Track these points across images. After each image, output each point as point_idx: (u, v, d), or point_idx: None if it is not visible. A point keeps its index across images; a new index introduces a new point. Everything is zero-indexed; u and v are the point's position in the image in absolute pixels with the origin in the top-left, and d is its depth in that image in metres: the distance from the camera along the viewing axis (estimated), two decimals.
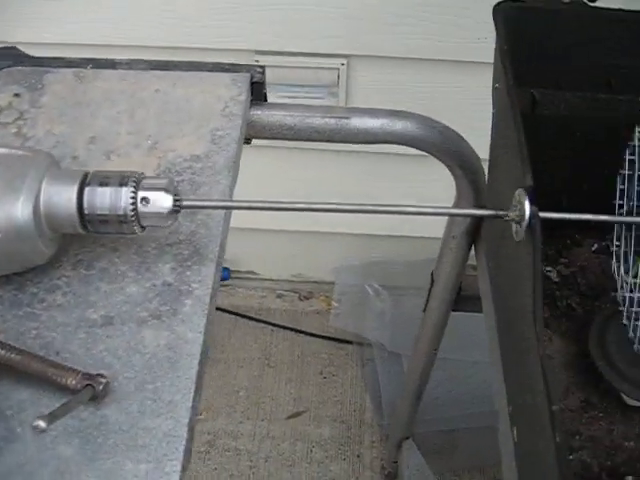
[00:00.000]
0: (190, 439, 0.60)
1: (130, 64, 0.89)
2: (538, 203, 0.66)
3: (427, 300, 1.15)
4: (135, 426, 0.60)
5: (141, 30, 1.43)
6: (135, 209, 0.64)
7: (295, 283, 1.90)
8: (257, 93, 0.89)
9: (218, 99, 0.86)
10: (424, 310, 1.18)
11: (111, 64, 0.89)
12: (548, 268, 0.95)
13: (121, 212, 0.64)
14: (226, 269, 1.83)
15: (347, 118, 0.90)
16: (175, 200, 0.65)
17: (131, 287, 0.68)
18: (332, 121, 0.89)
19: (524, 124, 0.76)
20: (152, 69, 0.89)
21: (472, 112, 1.21)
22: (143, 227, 0.66)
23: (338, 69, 1.45)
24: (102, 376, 0.61)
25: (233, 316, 1.83)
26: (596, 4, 0.84)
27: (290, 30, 1.43)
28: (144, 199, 0.64)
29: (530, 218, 0.64)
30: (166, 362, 0.64)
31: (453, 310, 1.18)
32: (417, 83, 1.47)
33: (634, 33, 0.84)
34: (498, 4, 0.80)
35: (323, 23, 1.40)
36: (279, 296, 1.90)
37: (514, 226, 0.67)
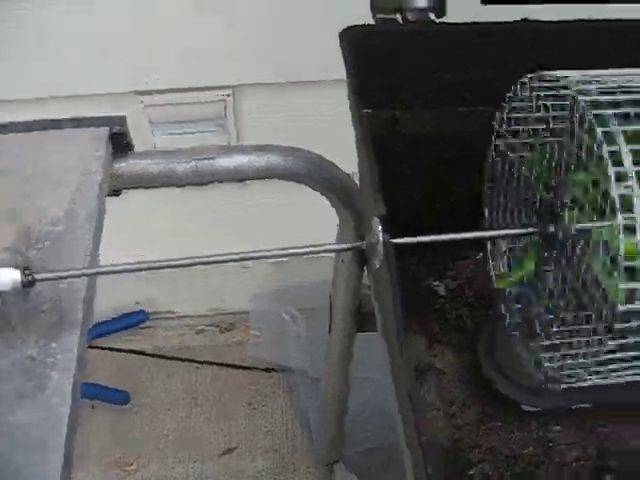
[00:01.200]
0: None
1: None
2: (397, 227, 0.66)
3: (330, 323, 1.14)
4: None
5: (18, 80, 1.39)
6: None
7: (214, 317, 1.88)
8: (119, 144, 0.88)
9: (77, 157, 0.84)
10: (329, 332, 1.18)
11: None
12: (435, 282, 0.96)
13: None
14: (142, 312, 1.80)
15: (212, 159, 0.89)
16: (26, 275, 0.64)
17: None
18: (197, 164, 0.88)
19: (386, 146, 0.77)
20: (10, 132, 0.87)
21: None
22: None
23: (225, 101, 1.45)
24: None
25: (155, 358, 1.80)
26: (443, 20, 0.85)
27: (172, 67, 1.42)
28: None
29: (383, 247, 0.64)
30: (33, 439, 0.61)
31: (359, 330, 1.18)
32: (304, 106, 1.47)
33: (483, 46, 0.85)
34: (344, 30, 0.80)
35: (204, 57, 1.39)
36: (199, 332, 1.87)
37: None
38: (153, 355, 1.81)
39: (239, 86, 1.44)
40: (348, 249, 0.66)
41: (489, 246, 0.78)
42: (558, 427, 0.83)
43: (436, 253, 0.96)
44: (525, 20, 0.84)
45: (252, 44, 1.36)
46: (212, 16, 1.35)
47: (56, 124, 0.87)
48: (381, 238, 0.64)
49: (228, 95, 1.44)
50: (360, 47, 0.79)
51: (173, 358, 1.80)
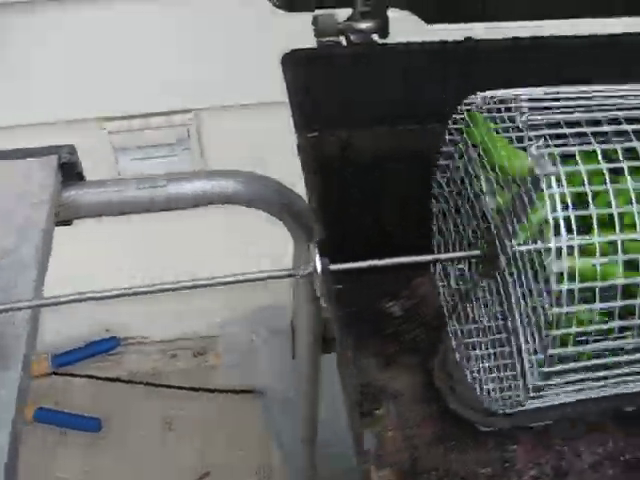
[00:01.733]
0: None
1: None
2: (345, 251, 0.66)
3: (293, 348, 1.14)
4: None
5: None
6: None
7: (187, 341, 1.87)
8: (69, 173, 0.87)
9: (25, 187, 0.83)
10: (293, 357, 1.17)
11: None
12: (390, 303, 0.95)
13: None
14: (113, 338, 1.79)
15: (163, 186, 0.89)
16: None
17: None
18: (149, 191, 0.88)
19: (333, 169, 0.76)
20: None
21: None
22: None
23: (187, 125, 1.45)
24: None
25: (127, 384, 1.78)
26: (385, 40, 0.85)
27: (134, 93, 1.42)
28: None
29: (320, 273, 0.64)
30: None
31: (326, 352, 1.17)
32: (265, 127, 1.47)
33: (429, 65, 0.85)
34: (286, 54, 0.80)
35: (166, 82, 1.39)
36: (173, 356, 1.86)
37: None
38: (125, 381, 1.79)
39: (201, 110, 1.44)
40: (284, 276, 0.65)
41: (437, 268, 0.78)
42: (515, 446, 0.83)
43: (390, 273, 0.96)
44: (469, 39, 0.84)
45: (212, 68, 1.36)
46: (171, 42, 1.36)
47: (3, 155, 0.87)
48: (318, 264, 0.64)
49: (190, 119, 1.44)
50: (302, 71, 0.79)
51: (146, 384, 1.78)
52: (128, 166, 1.49)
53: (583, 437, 0.84)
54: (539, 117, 0.59)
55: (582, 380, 0.63)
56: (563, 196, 0.55)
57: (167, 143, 1.47)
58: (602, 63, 0.82)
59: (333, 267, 0.65)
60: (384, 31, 0.84)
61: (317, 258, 0.64)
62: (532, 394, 0.62)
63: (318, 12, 0.83)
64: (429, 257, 0.68)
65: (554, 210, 0.55)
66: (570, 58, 0.83)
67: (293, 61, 0.79)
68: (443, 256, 0.68)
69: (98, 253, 1.60)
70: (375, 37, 0.85)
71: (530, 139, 0.57)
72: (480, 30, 0.86)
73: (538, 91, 0.66)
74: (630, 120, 0.59)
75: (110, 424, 1.73)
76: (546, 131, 0.56)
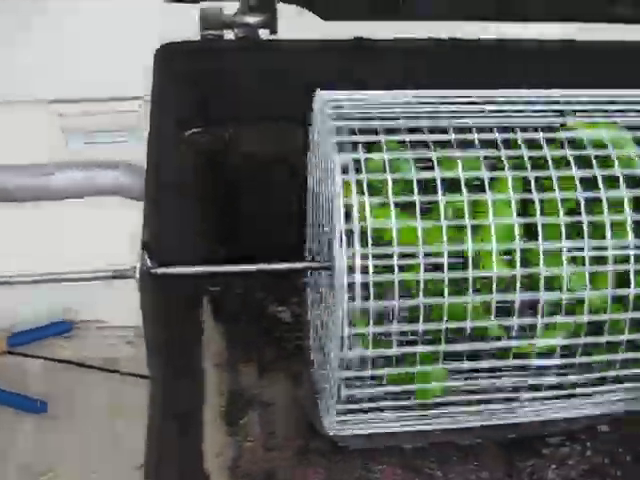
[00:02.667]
0: None
1: None
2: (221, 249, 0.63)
3: None
4: None
5: None
6: None
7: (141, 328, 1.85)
8: None
9: None
10: None
11: None
12: (280, 308, 0.92)
13: None
14: (68, 321, 1.78)
15: (51, 174, 0.87)
16: None
17: None
18: (35, 180, 0.86)
19: (217, 167, 0.74)
20: None
21: None
22: None
23: (137, 111, 1.42)
24: None
25: (80, 368, 1.77)
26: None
27: (85, 77, 1.39)
28: None
29: (140, 276, 0.61)
30: None
31: None
32: None
33: (315, 62, 0.82)
34: (161, 48, 0.78)
35: (116, 67, 1.37)
36: (128, 343, 1.84)
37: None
38: (78, 364, 1.78)
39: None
40: (106, 277, 0.62)
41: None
42: (381, 467, 0.80)
43: (285, 278, 0.93)
44: (359, 39, 0.81)
45: None
46: (121, 28, 1.33)
47: None
48: (138, 267, 0.61)
49: (140, 106, 1.41)
50: (180, 64, 0.76)
51: (98, 368, 1.77)
52: (79, 149, 1.47)
53: (458, 462, 0.81)
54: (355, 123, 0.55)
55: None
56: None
57: (118, 129, 1.45)
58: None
59: (158, 270, 0.62)
60: (273, 26, 0.81)
61: (140, 260, 0.62)
62: (336, 418, 0.59)
63: (204, 5, 0.80)
64: (249, 267, 0.64)
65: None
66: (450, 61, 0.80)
67: (167, 55, 0.76)
68: (264, 266, 0.64)
69: None
70: (265, 32, 0.82)
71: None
72: (376, 27, 0.82)
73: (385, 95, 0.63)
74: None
75: (59, 407, 1.71)
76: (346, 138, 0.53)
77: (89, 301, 1.82)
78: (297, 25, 0.84)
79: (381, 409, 0.60)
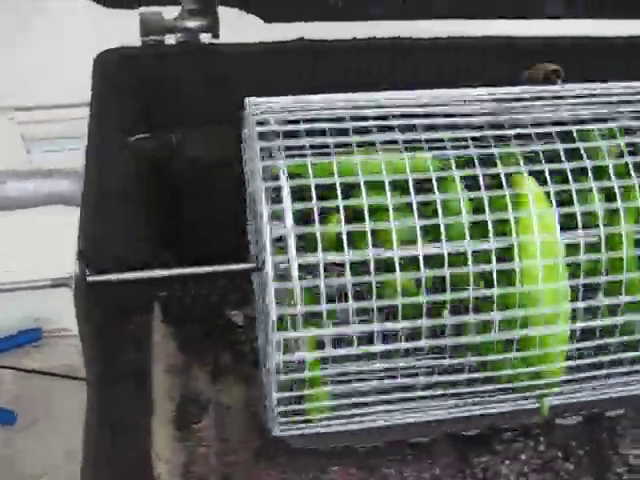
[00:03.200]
0: None
1: None
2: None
3: None
4: None
5: None
6: None
7: None
8: None
9: None
10: None
11: None
12: (234, 312, 0.92)
13: None
14: (36, 329, 1.77)
15: (3, 183, 0.87)
16: None
17: None
18: None
19: (161, 172, 0.73)
20: None
21: None
22: None
23: None
24: None
25: (48, 377, 1.76)
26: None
27: (43, 84, 1.39)
28: None
29: (75, 284, 0.61)
30: None
31: None
32: None
33: (260, 65, 0.82)
34: (100, 54, 0.77)
35: (76, 74, 1.36)
36: None
37: None
38: (46, 373, 1.77)
39: None
40: (52, 286, 0.62)
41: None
42: (336, 468, 0.79)
43: (238, 281, 0.93)
44: (301, 39, 0.81)
45: None
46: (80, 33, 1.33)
47: None
48: (74, 275, 0.61)
49: None
50: (118, 72, 0.75)
51: (66, 377, 1.76)
52: (40, 157, 1.46)
53: (413, 460, 0.81)
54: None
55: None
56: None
57: (78, 135, 1.44)
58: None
59: (94, 278, 0.62)
60: (214, 30, 0.81)
61: (76, 269, 0.61)
62: (279, 420, 0.59)
63: (144, 10, 0.80)
64: (183, 271, 0.64)
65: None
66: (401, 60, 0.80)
67: (107, 61, 0.76)
68: (194, 270, 0.63)
69: None
70: (206, 36, 0.81)
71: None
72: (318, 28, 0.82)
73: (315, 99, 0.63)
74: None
75: (27, 417, 1.70)
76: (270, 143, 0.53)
77: (57, 310, 1.81)
78: (239, 28, 0.84)
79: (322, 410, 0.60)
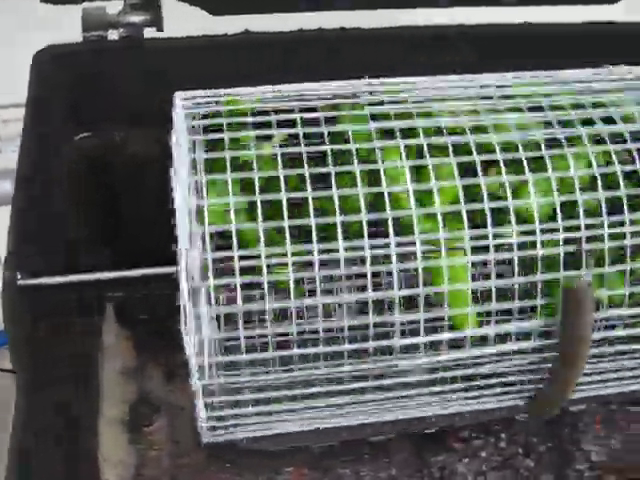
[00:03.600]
0: None
1: None
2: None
3: None
4: None
5: None
6: None
7: None
8: None
9: None
10: None
11: None
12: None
13: None
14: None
15: None
16: None
17: None
18: None
19: (101, 170, 0.72)
20: None
21: None
22: None
23: None
24: None
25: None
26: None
27: (17, 83, 1.37)
28: None
29: (4, 289, 0.59)
30: None
31: None
32: None
33: (204, 60, 0.80)
34: (39, 52, 0.75)
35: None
36: None
37: None
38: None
39: None
40: None
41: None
42: (290, 468, 0.78)
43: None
44: (247, 32, 0.79)
45: None
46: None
47: None
48: (2, 278, 0.60)
49: None
50: (53, 71, 0.73)
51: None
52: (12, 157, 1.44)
53: (369, 460, 0.79)
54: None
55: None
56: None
57: None
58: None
59: (25, 282, 0.60)
60: (158, 24, 0.79)
61: (4, 272, 0.60)
62: (206, 424, 0.57)
63: (86, 5, 0.78)
64: (118, 274, 0.62)
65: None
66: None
67: (45, 59, 0.74)
68: (125, 273, 0.62)
69: None
70: (150, 30, 0.80)
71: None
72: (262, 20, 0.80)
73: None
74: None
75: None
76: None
77: None
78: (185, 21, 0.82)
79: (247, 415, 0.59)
